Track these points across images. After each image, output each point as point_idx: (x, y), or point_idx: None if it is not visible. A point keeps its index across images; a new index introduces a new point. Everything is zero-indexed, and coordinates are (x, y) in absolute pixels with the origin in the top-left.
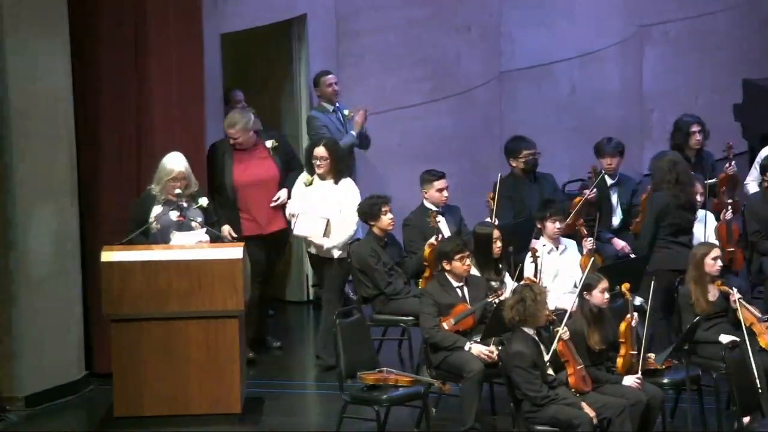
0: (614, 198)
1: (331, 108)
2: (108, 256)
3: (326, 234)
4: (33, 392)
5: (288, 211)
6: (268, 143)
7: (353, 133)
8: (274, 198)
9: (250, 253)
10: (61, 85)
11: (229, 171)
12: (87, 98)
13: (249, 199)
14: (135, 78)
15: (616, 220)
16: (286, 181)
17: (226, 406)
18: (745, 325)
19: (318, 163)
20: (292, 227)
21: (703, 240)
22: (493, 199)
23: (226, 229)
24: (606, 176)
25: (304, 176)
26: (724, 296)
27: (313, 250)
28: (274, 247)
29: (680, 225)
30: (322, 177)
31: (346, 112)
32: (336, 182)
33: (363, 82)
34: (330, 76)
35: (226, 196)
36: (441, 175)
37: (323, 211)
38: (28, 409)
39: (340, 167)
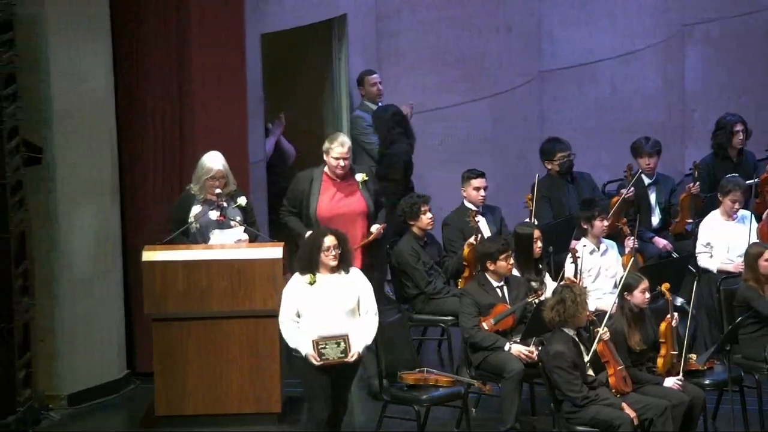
0: (652, 197)
1: (374, 107)
2: (149, 255)
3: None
4: (75, 391)
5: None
6: (358, 176)
7: None
8: (371, 229)
9: None
10: (103, 85)
11: (314, 200)
12: (129, 98)
13: None
14: (177, 78)
15: (656, 219)
16: (377, 218)
17: (267, 405)
18: None
19: (333, 254)
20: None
21: (748, 241)
22: (531, 200)
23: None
24: (643, 176)
25: (299, 277)
26: None
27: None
28: None
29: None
30: (332, 270)
31: None
32: (347, 272)
33: (402, 82)
34: (375, 75)
35: (308, 225)
36: (480, 174)
37: (340, 309)
38: (70, 407)
39: (351, 256)
